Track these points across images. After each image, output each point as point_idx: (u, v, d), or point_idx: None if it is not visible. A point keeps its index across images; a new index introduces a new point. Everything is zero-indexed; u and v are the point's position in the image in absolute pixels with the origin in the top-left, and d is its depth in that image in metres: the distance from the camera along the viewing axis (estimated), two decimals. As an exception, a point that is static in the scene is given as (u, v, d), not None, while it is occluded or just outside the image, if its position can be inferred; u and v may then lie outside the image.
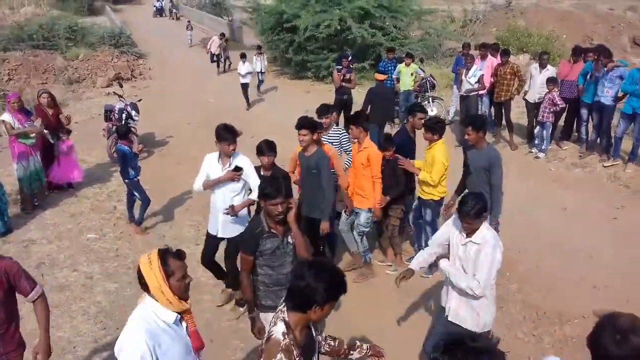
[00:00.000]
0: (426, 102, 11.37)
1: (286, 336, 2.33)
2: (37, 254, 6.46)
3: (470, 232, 3.62)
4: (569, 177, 8.65)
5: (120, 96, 10.11)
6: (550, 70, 9.35)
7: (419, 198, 5.78)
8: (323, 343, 2.82)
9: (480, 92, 9.90)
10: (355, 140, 5.65)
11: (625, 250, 6.23)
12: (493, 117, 10.32)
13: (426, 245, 5.59)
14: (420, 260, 4.08)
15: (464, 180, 5.59)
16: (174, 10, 34.61)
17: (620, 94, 8.34)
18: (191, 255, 5.21)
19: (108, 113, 9.78)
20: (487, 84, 9.92)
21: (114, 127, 8.91)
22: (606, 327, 1.96)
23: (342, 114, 9.96)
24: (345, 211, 5.87)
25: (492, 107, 10.29)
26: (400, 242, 6.16)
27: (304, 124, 5.15)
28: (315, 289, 2.31)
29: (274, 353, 2.29)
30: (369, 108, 8.89)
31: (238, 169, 4.77)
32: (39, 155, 7.54)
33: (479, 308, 3.70)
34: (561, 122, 9.78)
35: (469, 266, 3.64)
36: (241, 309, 5.30)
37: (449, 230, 3.87)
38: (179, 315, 2.60)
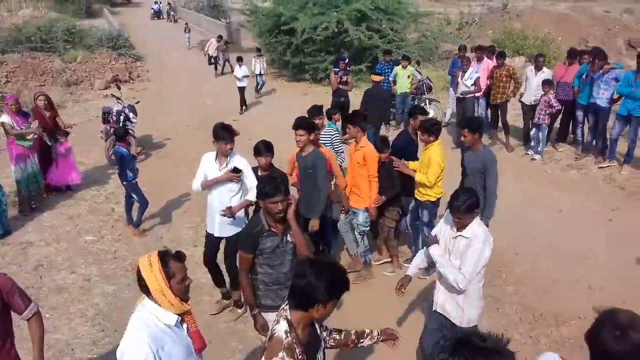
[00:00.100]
0: (423, 104, 11.40)
1: (288, 334, 2.34)
2: (35, 256, 6.47)
3: (460, 227, 3.65)
4: (564, 179, 8.69)
5: (118, 98, 10.12)
6: (546, 73, 9.40)
7: (416, 199, 5.81)
8: (328, 338, 2.80)
9: (477, 94, 9.96)
10: (353, 140, 5.69)
11: (621, 251, 6.26)
12: (489, 120, 10.37)
13: (423, 246, 5.65)
14: (418, 262, 4.11)
15: (463, 182, 5.63)
16: (172, 13, 34.64)
17: (615, 96, 8.40)
18: (190, 257, 5.18)
19: (106, 115, 9.80)
20: (483, 87, 9.98)
21: (112, 130, 8.93)
22: (606, 323, 1.96)
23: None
24: (342, 210, 5.91)
25: (489, 109, 10.35)
26: (397, 244, 6.19)
27: (301, 124, 5.19)
28: (317, 287, 2.31)
29: (276, 351, 2.30)
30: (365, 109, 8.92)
31: (237, 171, 4.79)
32: (36, 158, 7.56)
33: (463, 303, 3.74)
34: (557, 124, 9.83)
35: (457, 260, 3.67)
36: (239, 310, 5.32)
37: (440, 227, 3.91)
38: (180, 317, 2.59)
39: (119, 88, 11.61)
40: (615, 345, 1.91)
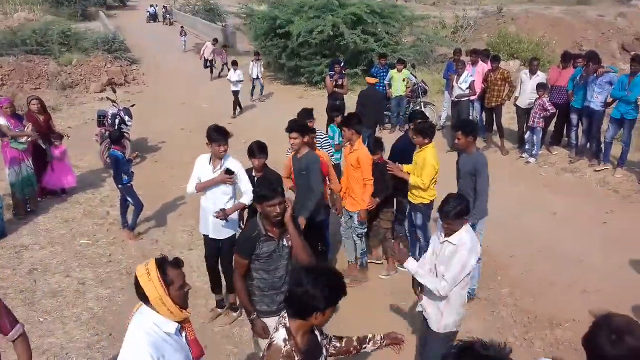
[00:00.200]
0: (418, 107, 11.44)
1: (287, 342, 2.33)
2: (30, 260, 6.44)
3: (449, 233, 3.65)
4: (559, 182, 8.73)
5: (113, 101, 10.11)
6: (540, 76, 9.45)
7: (409, 202, 5.82)
8: (328, 346, 2.76)
9: (471, 97, 10.01)
10: (348, 142, 5.70)
11: (615, 254, 6.29)
12: (484, 123, 10.41)
13: (420, 252, 5.65)
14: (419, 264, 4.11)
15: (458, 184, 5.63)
16: (168, 16, 34.68)
17: (609, 100, 8.45)
18: (185, 261, 5.19)
19: (101, 118, 9.78)
20: (478, 90, 10.02)
21: (107, 133, 8.90)
22: (602, 327, 1.97)
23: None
24: (335, 212, 5.91)
25: (483, 112, 10.39)
26: (394, 245, 6.18)
27: (294, 127, 5.20)
28: (314, 295, 2.29)
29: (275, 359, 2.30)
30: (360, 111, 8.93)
31: (230, 172, 4.79)
32: (30, 161, 7.54)
33: (444, 308, 3.74)
34: (551, 127, 9.88)
35: (442, 265, 3.66)
36: (234, 314, 5.31)
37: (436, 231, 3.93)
38: (179, 325, 2.55)
39: (114, 91, 11.58)
40: (612, 350, 1.92)
